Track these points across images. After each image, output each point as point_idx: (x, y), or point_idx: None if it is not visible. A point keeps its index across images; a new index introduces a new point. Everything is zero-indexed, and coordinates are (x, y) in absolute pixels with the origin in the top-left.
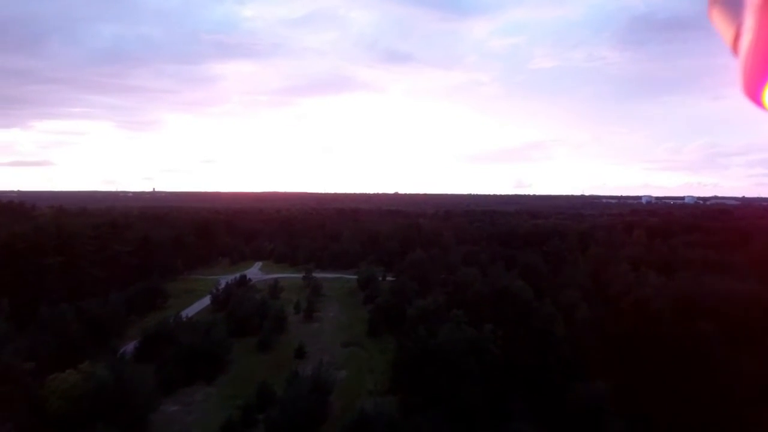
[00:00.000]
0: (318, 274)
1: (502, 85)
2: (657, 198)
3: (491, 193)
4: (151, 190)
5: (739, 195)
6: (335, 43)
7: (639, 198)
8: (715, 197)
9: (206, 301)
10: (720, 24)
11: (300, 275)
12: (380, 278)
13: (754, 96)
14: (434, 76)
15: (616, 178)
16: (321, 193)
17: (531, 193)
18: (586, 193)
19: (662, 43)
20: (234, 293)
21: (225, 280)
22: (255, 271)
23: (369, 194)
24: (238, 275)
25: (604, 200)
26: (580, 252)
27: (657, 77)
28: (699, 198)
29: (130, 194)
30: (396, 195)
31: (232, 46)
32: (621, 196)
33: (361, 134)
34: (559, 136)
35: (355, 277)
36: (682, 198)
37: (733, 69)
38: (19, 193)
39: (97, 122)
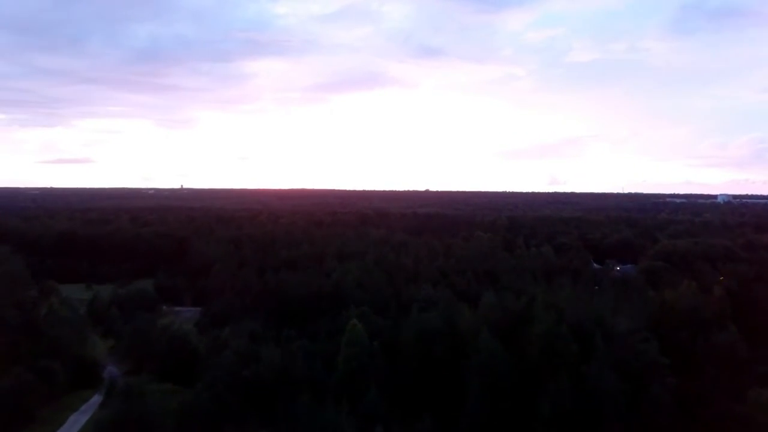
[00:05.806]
0: None
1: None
2: (735, 197)
3: (526, 190)
4: (179, 186)
5: None
6: (368, 38)
7: (714, 197)
8: None
9: None
10: None
11: None
12: None
13: None
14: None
15: (656, 175)
16: (349, 190)
17: (568, 191)
18: (629, 191)
19: (712, 32)
20: None
21: None
22: None
23: (399, 191)
24: None
25: (671, 200)
26: None
27: (705, 69)
28: None
29: (152, 191)
30: (427, 192)
31: (265, 43)
32: (691, 194)
33: (393, 130)
34: (597, 132)
35: None
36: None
37: None
38: (42, 190)
39: (135, 120)
